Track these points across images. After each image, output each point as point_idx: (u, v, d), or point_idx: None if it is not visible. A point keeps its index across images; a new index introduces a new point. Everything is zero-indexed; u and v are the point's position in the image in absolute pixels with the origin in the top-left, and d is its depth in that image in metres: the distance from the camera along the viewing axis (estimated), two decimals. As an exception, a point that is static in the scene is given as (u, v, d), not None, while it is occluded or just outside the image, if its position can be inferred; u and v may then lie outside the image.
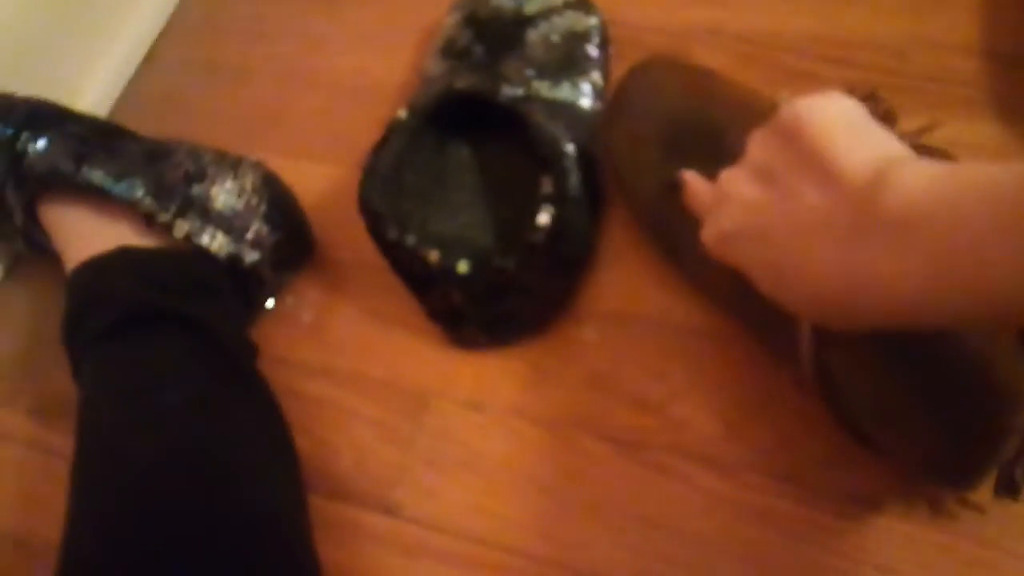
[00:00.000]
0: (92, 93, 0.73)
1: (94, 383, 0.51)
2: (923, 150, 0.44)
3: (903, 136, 0.45)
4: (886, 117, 0.45)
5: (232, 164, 0.59)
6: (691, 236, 0.47)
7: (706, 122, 0.49)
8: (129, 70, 0.77)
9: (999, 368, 0.37)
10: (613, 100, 0.54)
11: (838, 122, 0.33)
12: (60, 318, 0.53)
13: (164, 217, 0.55)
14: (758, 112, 0.46)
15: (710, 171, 0.46)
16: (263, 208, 0.58)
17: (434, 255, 0.50)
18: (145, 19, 0.78)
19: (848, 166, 0.32)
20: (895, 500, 0.45)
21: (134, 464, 0.46)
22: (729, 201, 0.37)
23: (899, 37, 0.60)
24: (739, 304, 0.47)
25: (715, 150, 0.47)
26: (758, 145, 0.37)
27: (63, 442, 0.51)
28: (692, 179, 0.45)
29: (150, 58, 0.78)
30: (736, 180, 0.37)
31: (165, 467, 0.47)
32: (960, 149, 0.54)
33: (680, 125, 0.50)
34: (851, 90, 0.44)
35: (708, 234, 0.39)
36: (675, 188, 0.46)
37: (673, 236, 0.51)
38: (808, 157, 0.33)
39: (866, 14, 0.62)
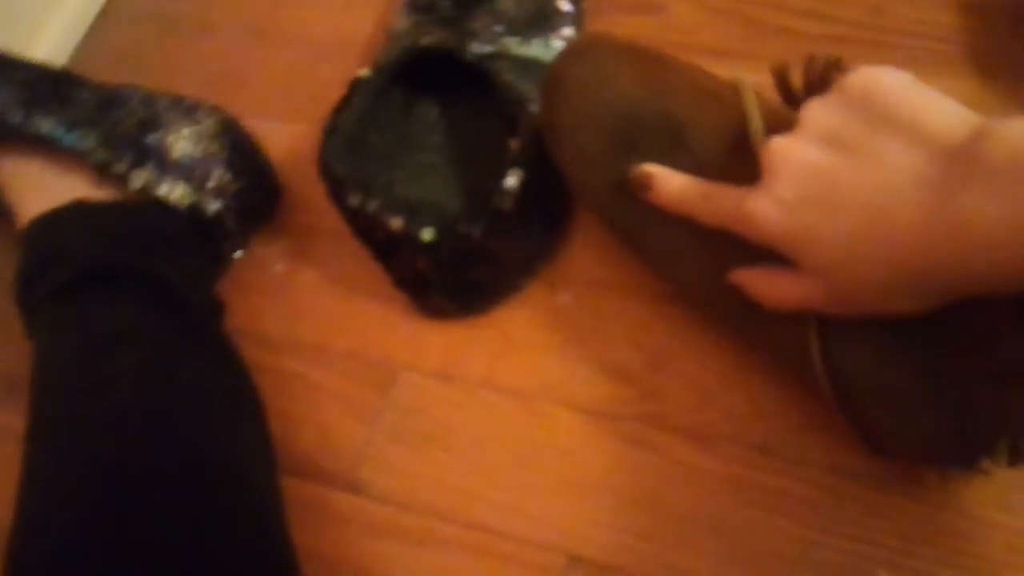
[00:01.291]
0: (45, 48, 0.70)
1: (47, 344, 0.49)
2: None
3: None
4: None
5: (188, 110, 0.56)
6: (656, 233, 0.46)
7: (663, 114, 0.45)
8: (84, 24, 0.74)
9: (1004, 346, 0.36)
10: (550, 86, 0.49)
11: (911, 87, 0.34)
12: (12, 276, 0.50)
13: (119, 168, 0.52)
14: (718, 100, 0.45)
15: (673, 166, 0.44)
16: (224, 154, 0.56)
17: (397, 222, 0.48)
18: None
19: (941, 124, 0.33)
20: (871, 470, 0.44)
21: (86, 425, 0.44)
22: (788, 170, 0.36)
23: (879, -11, 0.58)
24: (719, 304, 0.46)
25: (676, 144, 0.45)
26: (819, 113, 0.36)
27: (18, 422, 0.49)
28: (661, 172, 0.43)
29: (106, 12, 0.74)
30: (796, 148, 0.36)
31: (118, 426, 0.44)
32: None
33: (633, 117, 0.46)
34: (813, 58, 0.43)
35: (763, 206, 0.37)
36: (638, 185, 0.44)
37: (634, 233, 0.48)
38: (890, 119, 0.34)
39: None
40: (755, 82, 0.46)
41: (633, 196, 0.45)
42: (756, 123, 0.42)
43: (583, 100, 0.47)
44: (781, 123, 0.40)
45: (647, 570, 0.45)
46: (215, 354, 0.50)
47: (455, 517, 0.48)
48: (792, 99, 0.45)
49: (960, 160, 0.31)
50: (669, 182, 0.43)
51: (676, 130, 0.45)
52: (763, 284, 0.40)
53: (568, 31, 0.59)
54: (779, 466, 0.46)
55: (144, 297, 0.49)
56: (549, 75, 0.49)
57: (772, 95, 0.44)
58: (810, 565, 0.43)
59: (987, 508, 0.43)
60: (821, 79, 0.41)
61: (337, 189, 0.50)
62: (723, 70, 0.58)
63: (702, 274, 0.44)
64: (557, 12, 0.59)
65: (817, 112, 0.37)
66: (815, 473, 0.45)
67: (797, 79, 0.44)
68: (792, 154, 0.36)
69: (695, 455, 0.47)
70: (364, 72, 0.53)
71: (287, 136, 0.60)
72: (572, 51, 0.49)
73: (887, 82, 0.35)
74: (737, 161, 0.42)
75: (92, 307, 0.48)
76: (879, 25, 0.58)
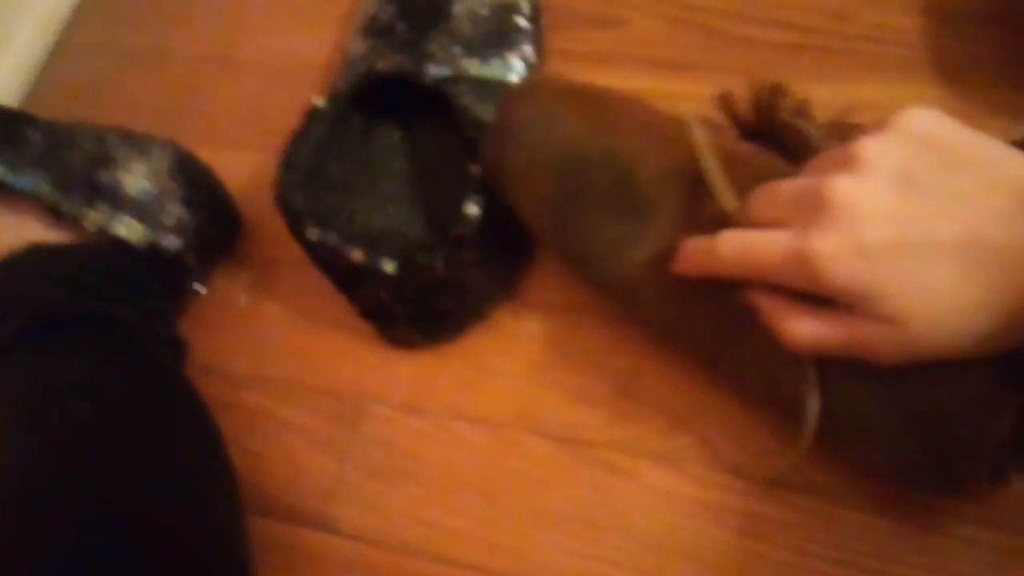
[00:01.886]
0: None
1: (2, 395, 0.47)
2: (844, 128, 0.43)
3: (821, 126, 0.43)
4: (800, 110, 0.42)
5: (142, 145, 0.55)
6: (616, 270, 0.45)
7: (610, 154, 0.44)
8: (37, 59, 0.72)
9: (977, 381, 0.36)
10: (495, 130, 0.48)
11: (968, 129, 0.34)
12: None
13: (72, 209, 0.51)
14: (663, 137, 0.44)
15: (620, 205, 0.44)
16: (180, 190, 0.54)
17: (358, 255, 0.47)
18: (52, 2, 0.73)
19: (1013, 164, 0.33)
20: (848, 490, 0.44)
21: (41, 489, 0.42)
22: (864, 212, 0.34)
23: (841, -3, 0.58)
24: (685, 336, 0.45)
25: (624, 184, 0.44)
26: (882, 152, 0.34)
27: None
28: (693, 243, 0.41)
29: (60, 46, 0.73)
30: (868, 189, 0.34)
31: (77, 492, 0.43)
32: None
33: (580, 158, 0.45)
34: (758, 82, 0.43)
35: (834, 250, 0.34)
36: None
37: (592, 272, 0.47)
38: (963, 161, 0.33)
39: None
40: (718, 93, 0.46)
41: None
42: (708, 161, 0.41)
43: (530, 143, 0.47)
44: (728, 157, 0.39)
45: (624, 599, 0.44)
46: (180, 405, 0.49)
47: (428, 552, 0.47)
48: (739, 122, 0.44)
49: None
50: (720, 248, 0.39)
51: (624, 169, 0.44)
52: (793, 320, 0.37)
53: (527, 49, 0.58)
54: (754, 489, 0.45)
55: (102, 344, 0.48)
56: (494, 120, 0.48)
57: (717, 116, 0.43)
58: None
59: (969, 526, 0.42)
60: (768, 104, 0.41)
61: (296, 223, 0.49)
62: (686, 83, 0.59)
63: (665, 309, 0.44)
64: (515, 30, 0.58)
65: (879, 151, 0.34)
66: (791, 495, 0.44)
67: (743, 101, 0.44)
68: (865, 195, 0.34)
69: (668, 480, 0.46)
70: (320, 101, 0.52)
71: (245, 165, 0.59)
72: (515, 94, 0.49)
73: (947, 123, 0.34)
74: (690, 199, 0.41)
75: (48, 356, 0.47)
76: (842, 32, 0.57)
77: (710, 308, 0.42)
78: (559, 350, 0.51)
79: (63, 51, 0.73)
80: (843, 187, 0.34)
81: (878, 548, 0.42)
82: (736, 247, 0.38)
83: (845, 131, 0.41)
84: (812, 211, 0.35)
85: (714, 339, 0.42)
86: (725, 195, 0.40)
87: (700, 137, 0.41)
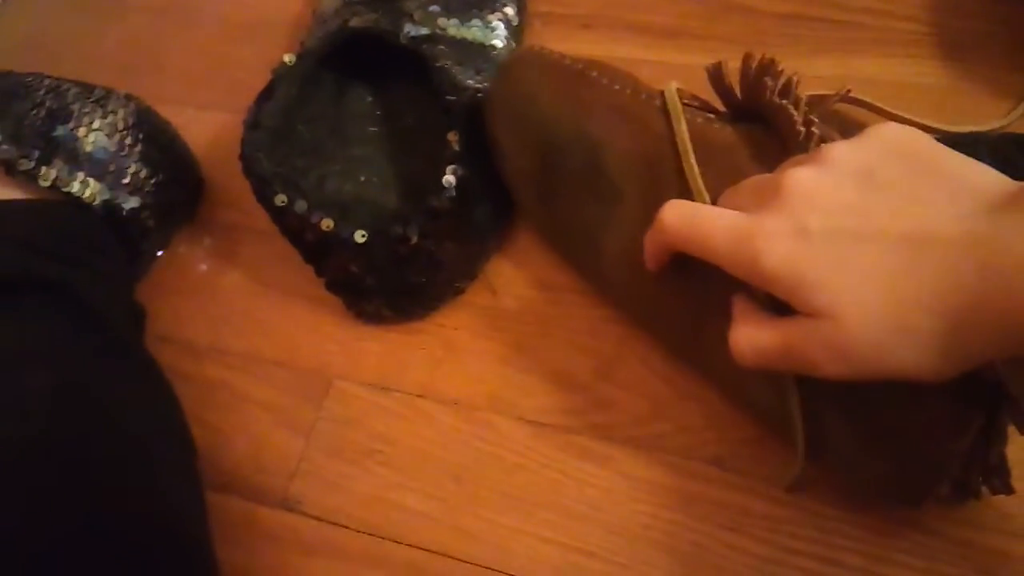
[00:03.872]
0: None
1: None
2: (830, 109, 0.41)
3: (812, 100, 0.41)
4: (785, 88, 0.40)
5: (100, 99, 0.52)
6: (593, 254, 0.44)
7: (579, 135, 0.44)
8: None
9: (933, 400, 0.34)
10: (487, 102, 0.48)
11: (940, 145, 0.33)
12: None
13: (26, 164, 0.48)
14: (635, 120, 0.43)
15: (591, 187, 0.44)
16: (139, 147, 0.51)
17: (327, 223, 0.45)
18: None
19: (986, 179, 0.31)
20: (826, 485, 0.42)
21: None
22: (815, 199, 0.33)
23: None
24: (661, 323, 0.44)
25: (592, 165, 0.43)
26: (849, 153, 0.34)
27: None
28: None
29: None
30: (825, 180, 0.33)
31: (31, 462, 0.40)
32: (904, 88, 0.51)
33: (553, 137, 0.45)
34: (748, 57, 0.41)
35: (774, 231, 0.33)
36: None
37: (572, 251, 0.47)
38: (933, 170, 0.32)
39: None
40: (709, 65, 0.44)
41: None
42: (688, 159, 0.40)
43: (512, 118, 0.46)
44: (706, 148, 0.39)
45: (597, 590, 0.42)
46: (137, 372, 0.46)
47: (393, 535, 0.45)
48: (728, 97, 0.43)
49: (1010, 207, 0.29)
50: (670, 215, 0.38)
51: (592, 151, 0.43)
52: (738, 327, 0.36)
53: (510, 10, 0.55)
54: (735, 481, 0.43)
55: (55, 309, 0.45)
56: (487, 91, 0.48)
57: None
58: (765, 582, 0.41)
59: (953, 526, 0.41)
60: (756, 79, 0.39)
61: (262, 187, 0.46)
62: (676, 51, 0.56)
63: (638, 295, 0.43)
64: (498, -10, 0.55)
65: (846, 152, 0.34)
66: (772, 489, 0.43)
67: (733, 74, 0.42)
68: (820, 185, 0.33)
69: (646, 469, 0.44)
70: (288, 58, 0.49)
71: (208, 125, 0.56)
72: (503, 67, 0.48)
73: (923, 138, 0.33)
74: (655, 187, 0.40)
75: (0, 322, 0.44)
76: (845, 4, 0.55)
77: (683, 299, 0.41)
78: (537, 331, 0.49)
79: (12, 1, 0.68)
80: (802, 176, 0.34)
81: (865, 546, 0.41)
82: (682, 216, 0.37)
83: (830, 112, 0.40)
84: (768, 198, 0.34)
85: (686, 330, 0.41)
86: (702, 196, 0.39)
87: (682, 132, 0.41)
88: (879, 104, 0.47)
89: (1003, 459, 0.37)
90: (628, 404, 0.46)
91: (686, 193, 0.40)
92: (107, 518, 0.40)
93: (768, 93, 0.40)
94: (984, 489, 0.38)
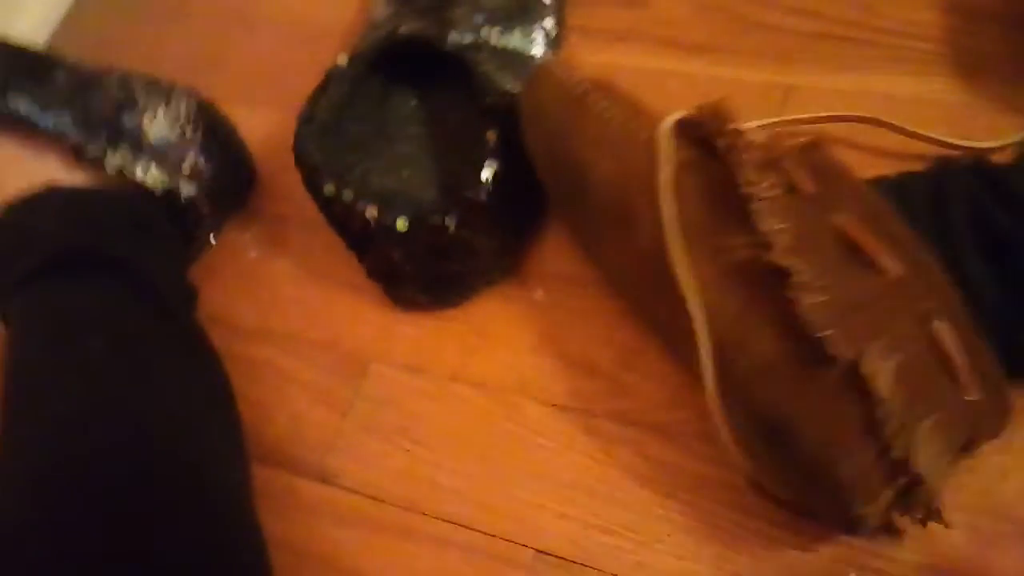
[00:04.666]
0: (22, 31, 0.69)
1: (19, 326, 0.48)
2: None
3: (756, 154, 0.42)
4: (731, 145, 0.42)
5: (164, 92, 0.56)
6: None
7: (569, 156, 0.47)
8: (62, 8, 0.73)
9: (843, 466, 0.37)
10: (517, 107, 0.51)
11: None
12: None
13: (94, 150, 0.52)
14: (625, 148, 0.45)
15: (576, 203, 0.47)
16: (199, 138, 0.55)
17: (372, 211, 0.48)
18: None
19: None
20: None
21: (58, 416, 0.44)
22: None
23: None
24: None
25: (578, 187, 0.47)
26: None
27: None
28: None
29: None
30: None
31: (90, 420, 0.44)
32: (920, 104, 0.53)
33: (553, 155, 0.48)
34: (704, 108, 0.43)
35: None
36: None
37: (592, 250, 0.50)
38: None
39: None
40: (735, 77, 0.46)
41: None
42: (663, 183, 0.42)
43: (531, 128, 0.49)
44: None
45: (615, 565, 0.44)
46: (185, 341, 0.50)
47: (423, 508, 0.47)
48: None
49: None
50: None
51: (578, 173, 0.46)
52: None
53: (549, 22, 0.58)
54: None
55: (114, 284, 0.49)
56: (520, 98, 0.51)
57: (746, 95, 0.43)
58: (781, 564, 0.43)
59: (954, 512, 0.42)
60: (710, 132, 0.42)
61: (312, 177, 0.49)
62: (706, 65, 0.59)
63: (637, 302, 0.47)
64: (537, 3, 0.58)
65: None
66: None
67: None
68: None
69: (665, 452, 0.47)
70: (342, 60, 0.52)
71: (262, 123, 0.60)
72: (527, 79, 0.51)
73: None
74: (626, 215, 0.44)
75: (62, 294, 0.48)
76: (867, 23, 0.57)
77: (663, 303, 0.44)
78: (564, 320, 0.51)
79: (95, 3, 0.73)
80: None
81: (881, 535, 0.43)
82: None
83: (777, 159, 0.42)
84: None
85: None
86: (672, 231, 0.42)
87: (663, 172, 0.43)
88: (895, 122, 0.49)
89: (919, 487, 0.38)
90: (648, 391, 0.48)
91: (657, 226, 0.42)
92: (155, 479, 0.43)
93: (720, 151, 0.42)
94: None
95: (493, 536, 0.46)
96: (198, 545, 0.42)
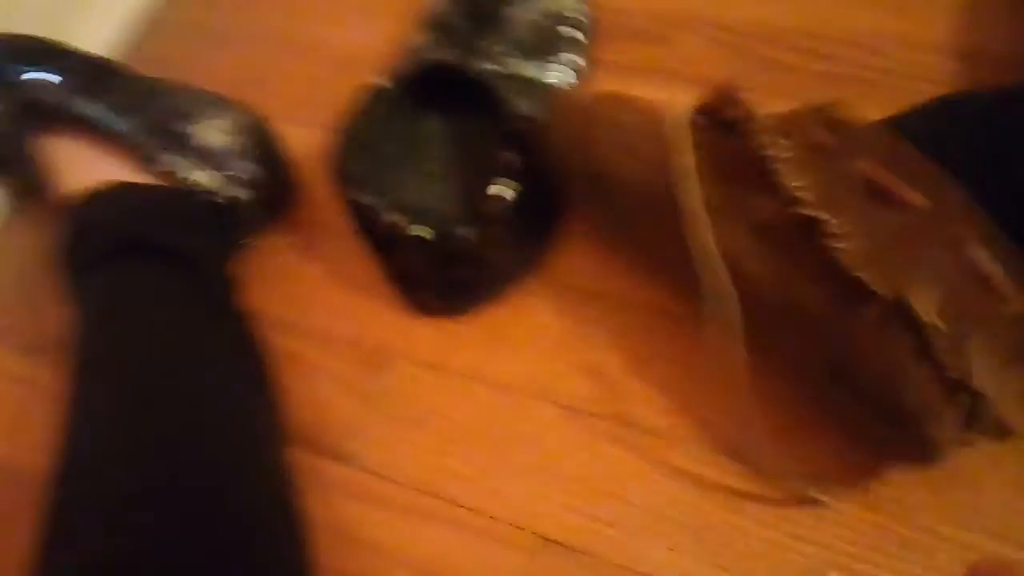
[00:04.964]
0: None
1: (85, 305, 0.53)
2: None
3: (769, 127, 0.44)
4: (738, 119, 0.44)
5: (222, 105, 0.61)
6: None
7: (587, 166, 0.50)
8: (128, 34, 0.79)
9: (904, 394, 0.39)
10: (542, 132, 0.54)
11: None
12: (53, 245, 0.55)
13: (154, 152, 0.57)
14: (633, 152, 0.47)
15: (596, 207, 0.51)
16: (248, 148, 0.60)
17: (397, 218, 0.52)
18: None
19: None
20: (833, 479, 0.46)
21: (125, 373, 0.49)
22: None
23: (878, 33, 0.61)
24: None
25: (598, 191, 0.50)
26: None
27: (44, 376, 0.55)
28: None
29: (149, 23, 0.80)
30: None
31: (151, 380, 0.49)
32: None
33: (575, 165, 0.51)
34: (713, 88, 0.45)
35: None
36: None
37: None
38: None
39: (849, 9, 0.63)
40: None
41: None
42: (681, 173, 0.44)
43: (554, 148, 0.53)
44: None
45: (615, 555, 0.47)
46: (233, 322, 0.55)
47: (435, 492, 0.51)
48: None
49: None
50: None
51: (595, 179, 0.50)
52: None
53: (568, 56, 0.62)
54: (747, 470, 0.48)
55: (170, 268, 0.54)
56: (542, 124, 0.54)
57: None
58: (770, 561, 0.45)
59: (937, 523, 0.45)
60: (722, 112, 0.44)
61: (343, 184, 0.53)
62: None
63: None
64: (562, 38, 0.63)
65: None
66: (781, 479, 0.47)
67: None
68: None
69: (666, 454, 0.49)
70: (378, 80, 0.57)
71: (304, 140, 0.64)
72: (554, 99, 0.54)
73: None
74: (652, 211, 0.46)
75: (125, 273, 0.53)
76: (876, 65, 0.60)
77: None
78: (574, 330, 0.54)
79: (151, 29, 0.80)
80: None
81: (858, 538, 0.45)
82: None
83: (792, 122, 0.43)
84: None
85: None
86: (700, 219, 0.43)
87: (680, 161, 0.44)
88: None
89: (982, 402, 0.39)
90: (654, 399, 0.51)
91: (688, 214, 0.44)
92: (209, 438, 0.47)
93: (737, 123, 0.44)
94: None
95: (498, 521, 0.49)
96: (261, 511, 0.46)
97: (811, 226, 0.40)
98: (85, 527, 0.42)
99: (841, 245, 0.39)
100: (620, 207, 0.50)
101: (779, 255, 0.42)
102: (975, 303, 0.39)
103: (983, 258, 0.39)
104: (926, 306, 0.38)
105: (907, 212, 0.40)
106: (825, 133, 0.43)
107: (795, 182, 0.41)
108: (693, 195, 0.44)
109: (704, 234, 0.43)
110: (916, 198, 0.40)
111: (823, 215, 0.40)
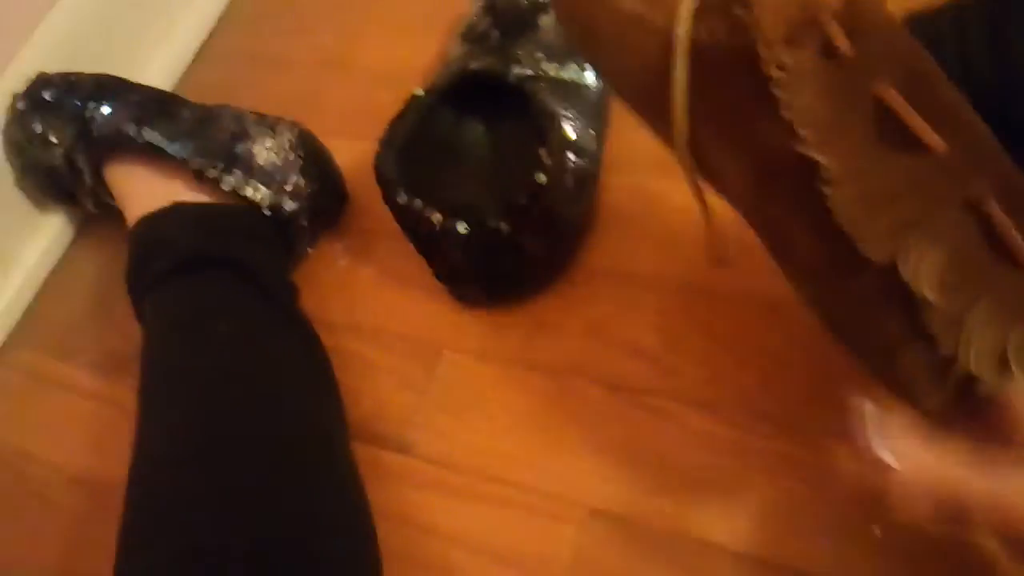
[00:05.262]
0: (151, 80, 0.80)
1: (154, 320, 0.57)
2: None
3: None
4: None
5: (271, 124, 0.66)
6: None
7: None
8: (183, 63, 0.84)
9: (897, 366, 0.37)
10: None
11: None
12: (123, 267, 0.60)
13: (213, 173, 0.61)
14: (640, 51, 0.40)
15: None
16: (300, 162, 0.65)
17: (437, 216, 0.55)
18: (201, 13, 0.86)
19: None
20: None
21: (194, 382, 0.53)
22: None
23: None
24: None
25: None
26: None
27: (122, 393, 0.59)
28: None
29: (202, 53, 0.85)
30: None
31: (221, 384, 0.53)
32: None
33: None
34: None
35: None
36: None
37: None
38: None
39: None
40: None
41: None
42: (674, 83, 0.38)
43: None
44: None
45: (661, 522, 0.50)
46: (293, 327, 0.58)
47: (491, 475, 0.53)
48: None
49: None
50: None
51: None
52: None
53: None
54: (783, 432, 0.50)
55: (233, 280, 0.58)
56: None
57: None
58: (806, 516, 0.48)
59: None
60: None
61: (388, 188, 0.57)
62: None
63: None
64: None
65: None
66: (817, 439, 0.49)
67: None
68: None
69: (706, 424, 0.52)
70: (419, 91, 0.60)
71: (353, 152, 0.68)
72: None
73: None
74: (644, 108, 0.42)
75: (191, 288, 0.57)
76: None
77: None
78: (613, 312, 0.57)
79: (204, 58, 0.85)
80: None
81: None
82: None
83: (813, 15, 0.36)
84: None
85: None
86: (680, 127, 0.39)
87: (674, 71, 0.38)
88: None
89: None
90: (693, 372, 0.54)
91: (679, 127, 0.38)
92: (275, 442, 0.50)
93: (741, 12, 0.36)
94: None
95: (554, 497, 0.52)
96: (331, 509, 0.49)
97: (813, 164, 0.34)
98: (163, 526, 0.46)
99: (839, 193, 0.34)
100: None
101: (781, 194, 0.37)
102: (983, 267, 0.35)
103: (997, 213, 0.34)
104: (927, 278, 0.34)
105: (920, 156, 0.34)
106: (843, 37, 0.35)
107: (800, 103, 0.35)
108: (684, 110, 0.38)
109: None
110: (934, 140, 0.34)
111: (823, 155, 0.34)
